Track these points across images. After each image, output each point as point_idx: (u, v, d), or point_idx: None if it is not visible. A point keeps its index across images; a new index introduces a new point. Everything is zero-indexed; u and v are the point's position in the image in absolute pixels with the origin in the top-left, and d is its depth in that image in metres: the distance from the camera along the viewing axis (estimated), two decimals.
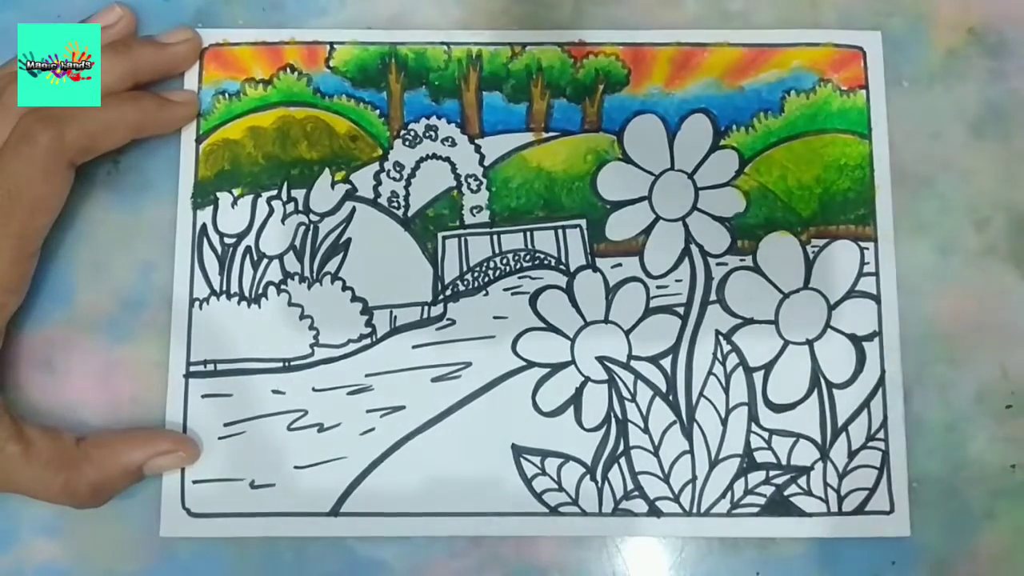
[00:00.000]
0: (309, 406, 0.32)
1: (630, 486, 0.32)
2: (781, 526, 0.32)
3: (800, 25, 0.35)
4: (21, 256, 0.30)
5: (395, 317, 0.33)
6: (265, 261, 0.33)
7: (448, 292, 0.33)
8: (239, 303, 0.33)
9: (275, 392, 0.32)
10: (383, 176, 0.34)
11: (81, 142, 0.30)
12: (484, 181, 0.34)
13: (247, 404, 0.32)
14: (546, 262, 0.33)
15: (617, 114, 0.34)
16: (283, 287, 0.33)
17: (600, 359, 0.33)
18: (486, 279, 0.33)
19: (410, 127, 0.34)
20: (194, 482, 0.32)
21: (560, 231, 0.33)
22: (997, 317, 0.33)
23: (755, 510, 0.32)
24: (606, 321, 0.33)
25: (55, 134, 0.29)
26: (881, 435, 0.33)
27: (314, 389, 0.33)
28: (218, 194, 0.33)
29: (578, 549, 0.32)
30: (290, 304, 0.33)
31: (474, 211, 0.34)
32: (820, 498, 0.32)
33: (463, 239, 0.33)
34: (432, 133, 0.34)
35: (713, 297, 0.33)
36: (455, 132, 0.34)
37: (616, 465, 0.32)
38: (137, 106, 0.32)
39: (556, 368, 0.33)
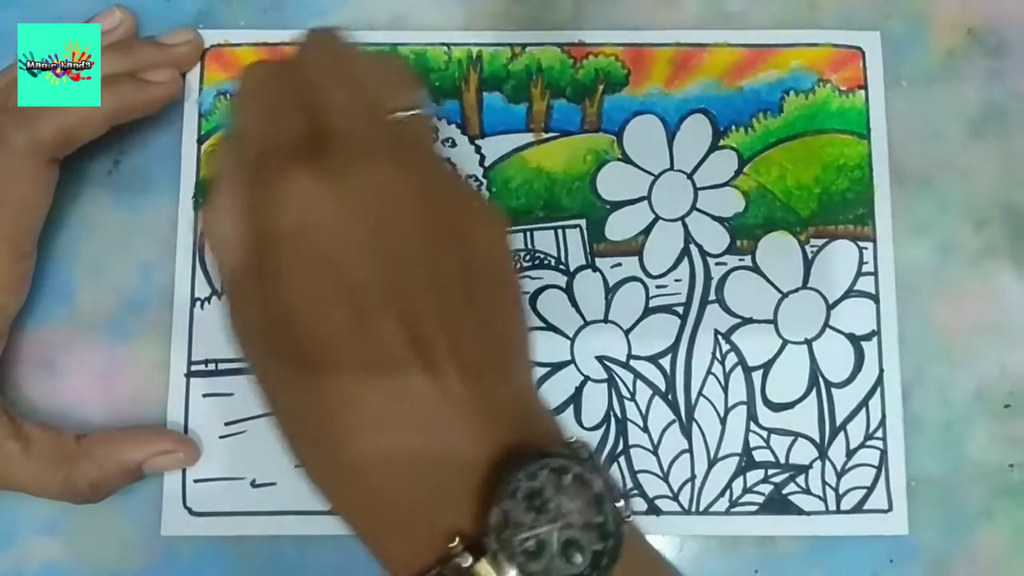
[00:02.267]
0: None
1: (629, 484, 0.32)
2: (780, 524, 0.32)
3: (799, 25, 0.35)
4: (15, 256, 0.30)
5: None
6: None
7: None
8: None
9: None
10: None
11: (57, 139, 0.30)
12: (484, 181, 0.34)
13: (248, 403, 0.32)
14: (546, 262, 0.33)
15: (617, 114, 0.34)
16: None
17: (600, 358, 0.33)
18: None
19: None
20: (195, 481, 0.32)
21: (560, 231, 0.34)
22: (996, 317, 0.34)
23: (754, 508, 0.32)
24: (606, 320, 0.33)
25: (29, 133, 0.29)
26: (879, 434, 0.33)
27: None
28: None
29: None
30: None
31: None
32: (819, 496, 0.32)
33: None
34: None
35: (712, 297, 0.33)
36: (455, 133, 0.34)
37: (615, 464, 0.32)
38: (112, 93, 0.31)
39: (556, 367, 0.33)
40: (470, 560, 0.21)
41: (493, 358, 0.23)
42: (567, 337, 0.33)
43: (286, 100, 0.24)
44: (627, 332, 0.33)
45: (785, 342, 0.33)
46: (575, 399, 0.33)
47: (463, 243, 0.23)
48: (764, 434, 0.33)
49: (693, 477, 0.32)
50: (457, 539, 0.21)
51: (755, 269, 0.33)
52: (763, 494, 0.32)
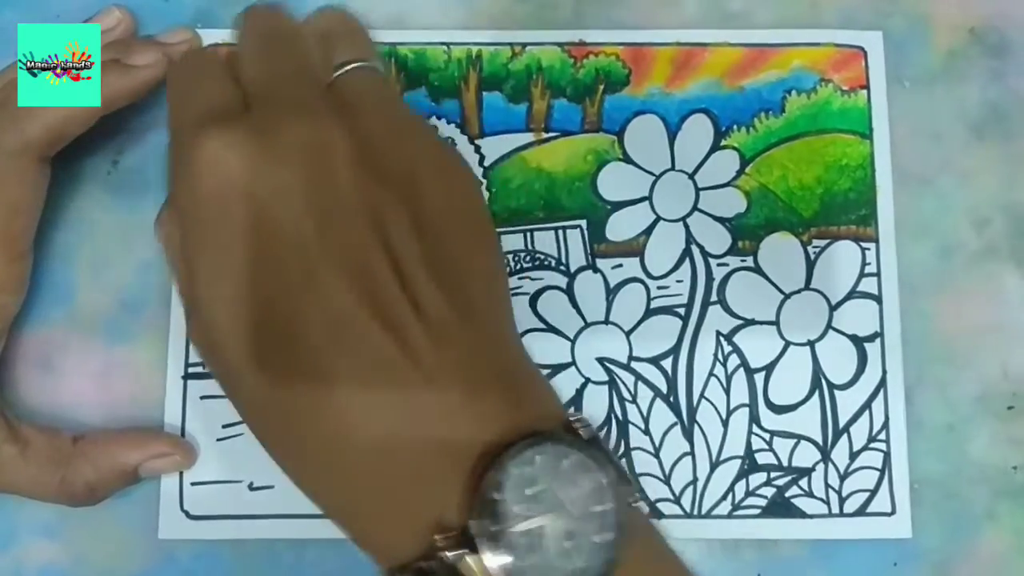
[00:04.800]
0: None
1: None
2: (782, 527, 0.32)
3: (801, 25, 0.35)
4: (11, 257, 0.30)
5: None
6: None
7: None
8: None
9: None
10: None
11: (47, 137, 0.29)
12: (484, 181, 0.34)
13: None
14: (546, 263, 0.33)
15: (617, 114, 0.34)
16: None
17: (600, 360, 0.33)
18: None
19: None
20: (192, 484, 0.32)
21: (560, 231, 0.33)
22: (998, 318, 0.33)
23: (756, 512, 0.32)
24: (606, 322, 0.33)
25: (17, 134, 0.29)
26: (882, 436, 0.33)
27: None
28: None
29: None
30: None
31: None
32: (821, 499, 0.32)
33: None
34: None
35: (714, 298, 0.33)
36: (455, 132, 0.34)
37: None
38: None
39: (556, 369, 0.33)
40: (454, 555, 0.19)
41: (463, 315, 0.22)
42: (567, 339, 0.33)
43: (210, 76, 0.24)
44: (628, 333, 0.33)
45: (787, 343, 0.33)
46: (576, 401, 0.33)
47: (412, 194, 0.22)
48: (766, 436, 0.33)
49: (695, 480, 0.32)
50: (442, 532, 0.20)
51: (757, 270, 0.33)
52: (766, 497, 0.32)
